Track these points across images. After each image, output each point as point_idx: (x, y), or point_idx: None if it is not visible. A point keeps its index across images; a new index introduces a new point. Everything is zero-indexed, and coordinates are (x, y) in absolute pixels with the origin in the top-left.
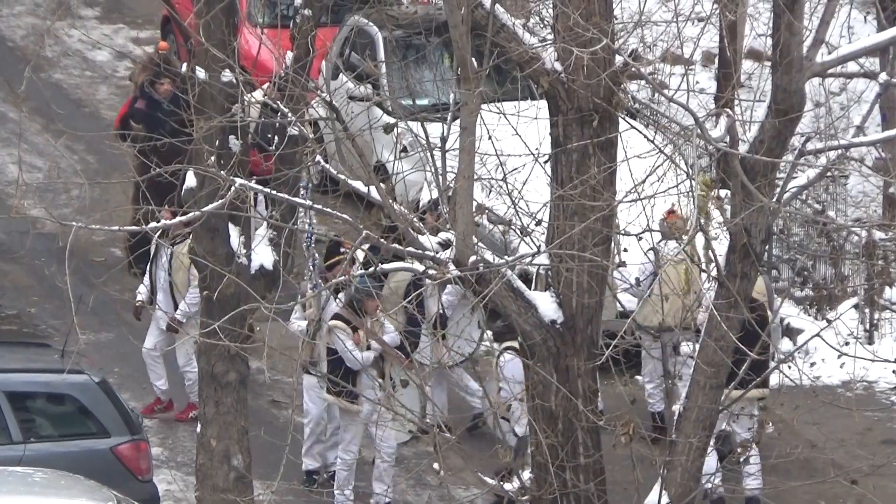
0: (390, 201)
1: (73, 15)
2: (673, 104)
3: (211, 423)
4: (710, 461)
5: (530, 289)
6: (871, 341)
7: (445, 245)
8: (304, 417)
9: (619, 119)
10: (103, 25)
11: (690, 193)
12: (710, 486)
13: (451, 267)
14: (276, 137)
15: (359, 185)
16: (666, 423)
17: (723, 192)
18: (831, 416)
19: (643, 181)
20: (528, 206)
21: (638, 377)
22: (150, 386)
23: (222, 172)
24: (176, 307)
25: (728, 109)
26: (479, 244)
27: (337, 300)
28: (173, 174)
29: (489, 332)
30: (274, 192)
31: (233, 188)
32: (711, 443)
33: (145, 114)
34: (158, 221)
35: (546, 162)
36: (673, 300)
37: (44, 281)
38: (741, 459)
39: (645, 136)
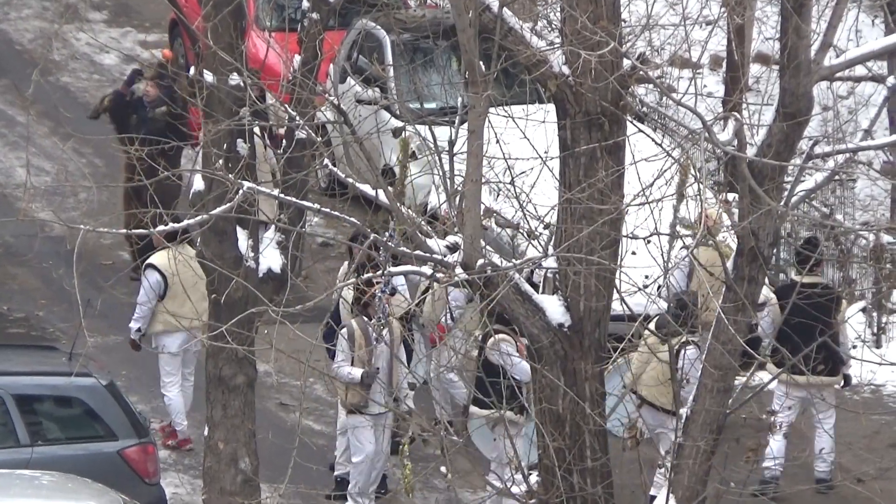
0: (398, 205)
1: (80, 18)
2: (681, 108)
3: (218, 426)
4: (779, 445)
5: (538, 292)
6: (878, 345)
7: (453, 248)
8: (355, 457)
9: (627, 122)
10: (111, 29)
11: (698, 197)
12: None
13: (459, 270)
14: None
15: (366, 188)
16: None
17: (731, 196)
18: (839, 419)
19: (651, 185)
20: (535, 209)
21: None
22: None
23: (230, 176)
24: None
25: (736, 113)
26: (487, 247)
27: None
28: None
29: None
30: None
31: (241, 192)
32: (782, 428)
33: (120, 99)
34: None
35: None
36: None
37: (51, 284)
38: (751, 463)
39: (653, 140)
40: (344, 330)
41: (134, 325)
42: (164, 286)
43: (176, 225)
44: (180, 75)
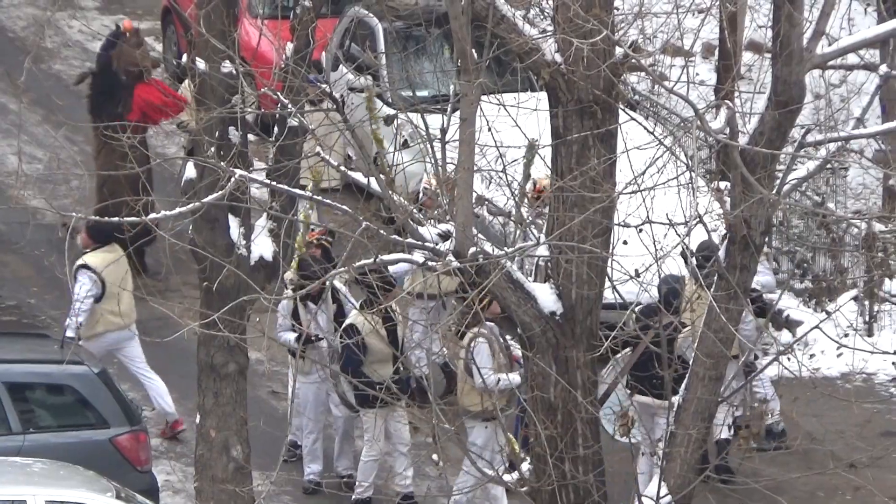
0: (390, 192)
1: (73, 6)
2: (673, 96)
3: (210, 413)
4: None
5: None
6: (870, 333)
7: (445, 236)
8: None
9: (619, 110)
10: (104, 16)
11: (690, 185)
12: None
13: (451, 258)
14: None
15: (358, 176)
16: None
17: (723, 184)
18: (830, 407)
19: (643, 173)
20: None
21: None
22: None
23: (222, 163)
24: None
25: (728, 101)
26: (479, 235)
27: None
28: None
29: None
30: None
31: (232, 179)
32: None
33: (102, 67)
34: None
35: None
36: None
37: (43, 271)
38: (743, 450)
39: (645, 128)
40: (485, 345)
41: (73, 324)
42: (101, 288)
43: (169, 213)
44: (131, 47)
